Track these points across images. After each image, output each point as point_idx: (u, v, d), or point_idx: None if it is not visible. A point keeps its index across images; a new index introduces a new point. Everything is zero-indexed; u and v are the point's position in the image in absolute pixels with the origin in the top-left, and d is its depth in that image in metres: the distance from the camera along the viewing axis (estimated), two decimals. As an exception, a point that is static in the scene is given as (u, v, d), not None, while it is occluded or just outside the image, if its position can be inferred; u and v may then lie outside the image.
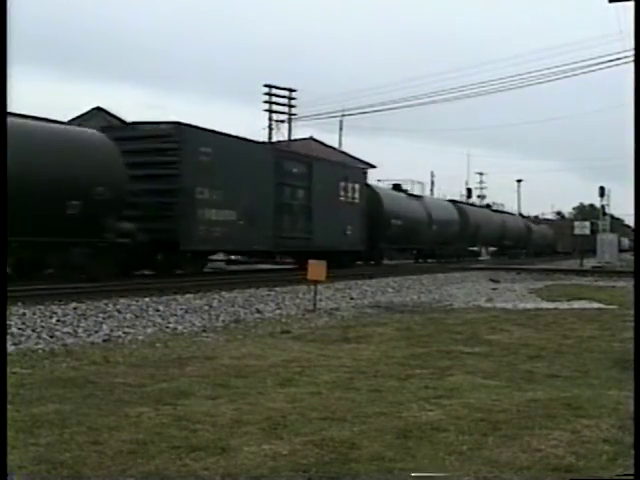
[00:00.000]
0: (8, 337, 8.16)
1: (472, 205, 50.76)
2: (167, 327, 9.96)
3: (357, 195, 25.79)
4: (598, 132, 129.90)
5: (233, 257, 28.73)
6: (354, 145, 79.16)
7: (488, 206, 54.37)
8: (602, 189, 43.13)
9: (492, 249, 51.48)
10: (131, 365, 6.85)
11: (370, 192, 27.59)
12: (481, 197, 70.78)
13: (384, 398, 5.44)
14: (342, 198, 24.80)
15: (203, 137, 18.20)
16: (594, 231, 59.83)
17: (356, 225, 25.43)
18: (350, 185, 25.40)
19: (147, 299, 12.56)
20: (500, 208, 56.32)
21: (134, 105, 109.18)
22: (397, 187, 33.08)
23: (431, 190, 65.34)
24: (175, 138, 17.37)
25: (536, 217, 66.41)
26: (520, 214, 61.74)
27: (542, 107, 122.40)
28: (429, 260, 35.46)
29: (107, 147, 15.59)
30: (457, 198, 53.12)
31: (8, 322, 8.94)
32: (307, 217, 22.64)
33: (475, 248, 44.93)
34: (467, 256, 40.57)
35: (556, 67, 46.88)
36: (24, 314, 10.00)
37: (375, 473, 3.71)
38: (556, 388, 5.93)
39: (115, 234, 15.24)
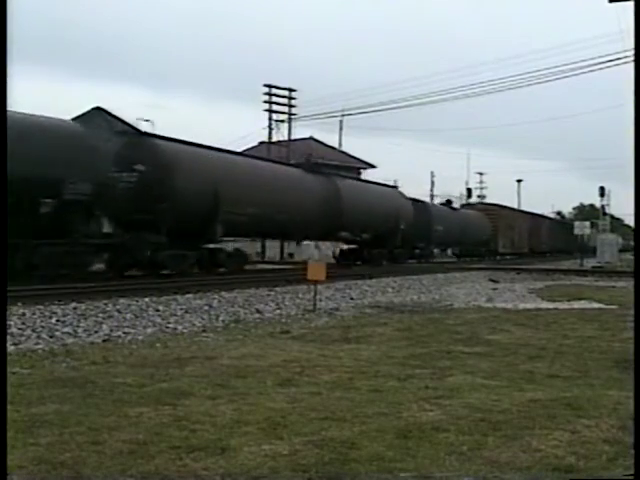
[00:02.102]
0: (8, 337, 8.16)
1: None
2: (167, 327, 9.95)
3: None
4: (598, 132, 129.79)
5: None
6: (354, 145, 79.04)
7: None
8: (602, 189, 43.18)
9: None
10: (131, 365, 6.85)
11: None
12: (481, 197, 70.89)
13: (384, 398, 5.44)
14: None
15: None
16: (568, 227, 56.47)
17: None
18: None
19: (147, 299, 12.56)
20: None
21: (134, 105, 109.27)
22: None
23: (431, 190, 65.36)
24: None
25: (448, 201, 44.40)
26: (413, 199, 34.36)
27: (542, 107, 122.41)
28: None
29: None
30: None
31: (8, 322, 8.94)
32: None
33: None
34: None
35: (556, 67, 46.93)
36: (24, 314, 10.00)
37: (375, 473, 3.70)
38: (556, 388, 5.93)
39: None
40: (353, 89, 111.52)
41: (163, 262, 17.64)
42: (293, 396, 5.47)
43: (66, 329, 9.19)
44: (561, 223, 70.71)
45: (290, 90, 41.66)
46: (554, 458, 3.95)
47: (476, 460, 3.90)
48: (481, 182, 79.05)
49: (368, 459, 3.90)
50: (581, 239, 60.85)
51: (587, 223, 43.60)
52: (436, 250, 40.15)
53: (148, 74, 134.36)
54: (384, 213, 27.45)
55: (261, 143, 43.39)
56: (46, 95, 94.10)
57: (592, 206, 79.09)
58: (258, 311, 12.26)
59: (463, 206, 47.30)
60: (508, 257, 46.18)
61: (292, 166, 26.87)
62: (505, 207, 49.81)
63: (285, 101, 41.69)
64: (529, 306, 14.14)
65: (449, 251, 44.33)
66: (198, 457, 3.90)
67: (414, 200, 33.51)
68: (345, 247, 29.62)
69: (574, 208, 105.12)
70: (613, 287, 19.92)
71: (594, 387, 5.98)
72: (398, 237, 28.55)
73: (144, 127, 20.60)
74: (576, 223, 47.81)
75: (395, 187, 32.80)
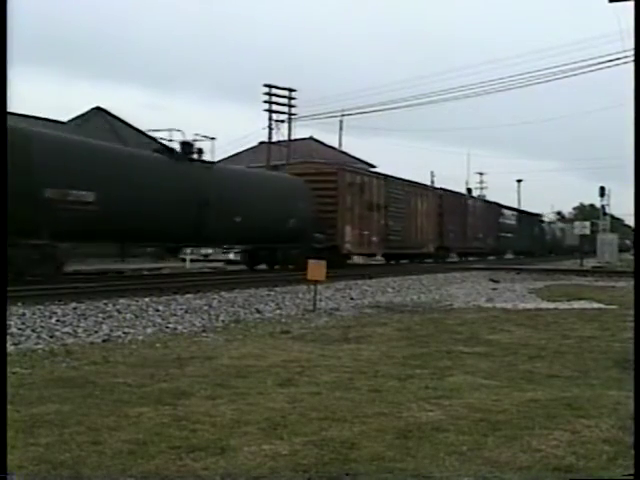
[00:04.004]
0: (8, 337, 8.16)
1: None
2: (167, 327, 9.96)
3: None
4: (598, 132, 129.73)
5: (232, 257, 29.25)
6: (354, 145, 79.13)
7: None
8: (602, 189, 43.08)
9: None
10: (131, 365, 6.85)
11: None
12: (481, 197, 70.83)
13: (384, 398, 5.44)
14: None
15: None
16: (529, 219, 50.34)
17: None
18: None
19: (147, 299, 12.56)
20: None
21: (134, 105, 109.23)
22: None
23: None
24: None
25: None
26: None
27: (542, 107, 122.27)
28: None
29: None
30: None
31: (8, 322, 8.94)
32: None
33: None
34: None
35: (556, 67, 46.93)
36: (24, 314, 10.00)
37: (375, 473, 3.71)
38: (556, 388, 5.93)
39: None
40: (353, 89, 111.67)
41: None
42: (293, 396, 5.47)
43: (66, 329, 9.19)
44: (520, 213, 52.53)
45: (290, 90, 41.66)
46: (554, 458, 3.95)
47: (476, 460, 3.90)
48: (481, 182, 78.87)
49: (368, 459, 3.90)
50: (553, 236, 56.16)
51: (587, 223, 43.50)
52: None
53: (148, 74, 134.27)
54: (270, 208, 21.38)
55: (261, 143, 43.45)
56: (46, 95, 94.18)
57: (592, 206, 79.06)
58: (258, 311, 12.26)
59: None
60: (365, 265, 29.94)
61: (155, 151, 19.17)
62: (360, 170, 29.58)
63: (285, 101, 41.69)
64: (529, 306, 14.14)
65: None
66: (198, 457, 3.90)
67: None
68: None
69: (574, 208, 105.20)
70: (613, 287, 19.92)
71: (594, 387, 5.98)
72: (289, 233, 22.18)
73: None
74: (576, 223, 47.63)
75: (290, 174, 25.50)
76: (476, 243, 39.37)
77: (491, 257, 42.94)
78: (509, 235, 46.51)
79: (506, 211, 48.03)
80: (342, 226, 24.62)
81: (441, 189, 35.82)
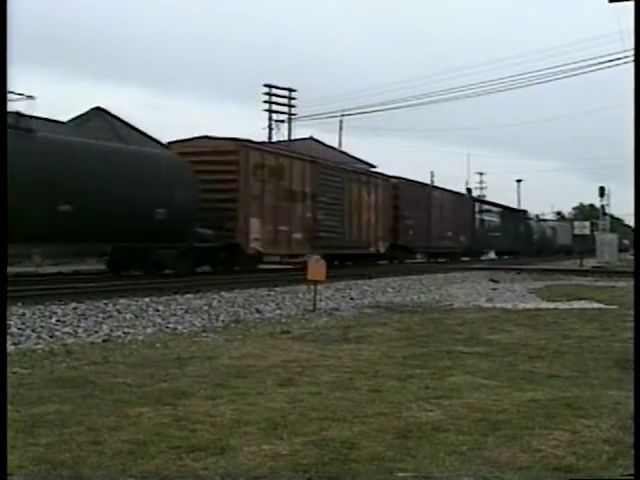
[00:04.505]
0: (8, 337, 8.16)
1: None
2: (167, 327, 9.96)
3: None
4: (598, 132, 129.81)
5: None
6: (354, 145, 79.04)
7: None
8: (602, 189, 43.04)
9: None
10: (131, 365, 6.85)
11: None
12: (481, 197, 70.79)
13: (384, 398, 5.44)
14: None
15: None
16: (514, 215, 47.88)
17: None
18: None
19: (147, 299, 12.57)
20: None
21: (134, 105, 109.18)
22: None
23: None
24: None
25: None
26: None
27: (542, 107, 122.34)
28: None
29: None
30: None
31: (8, 322, 8.94)
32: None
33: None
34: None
35: (556, 67, 46.99)
36: (24, 314, 10.00)
37: (375, 473, 3.70)
38: (556, 388, 5.93)
39: None
40: (353, 89, 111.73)
41: None
42: (293, 396, 5.47)
43: (66, 329, 9.19)
44: (503, 209, 48.00)
45: (290, 90, 41.74)
46: (554, 458, 3.95)
47: (476, 460, 3.90)
48: (481, 182, 78.93)
49: (368, 459, 3.90)
50: (542, 235, 53.64)
51: (587, 223, 43.47)
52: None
53: (148, 74, 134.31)
54: (124, 194, 16.31)
55: (261, 143, 43.41)
56: (46, 95, 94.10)
57: (592, 206, 79.00)
58: (258, 311, 12.26)
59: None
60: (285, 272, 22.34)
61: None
62: (276, 149, 24.06)
63: (285, 101, 41.74)
64: (529, 306, 14.14)
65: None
66: (198, 457, 3.90)
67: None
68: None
69: (574, 208, 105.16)
70: (613, 287, 19.92)
71: (594, 387, 5.98)
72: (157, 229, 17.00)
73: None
74: (576, 223, 47.46)
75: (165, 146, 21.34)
76: (445, 242, 34.59)
77: (465, 258, 38.26)
78: (489, 233, 42.70)
79: (485, 206, 44.04)
80: (246, 219, 19.45)
81: (397, 178, 29.97)
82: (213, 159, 19.22)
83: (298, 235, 22.01)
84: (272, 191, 20.64)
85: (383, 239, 27.51)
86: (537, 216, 68.79)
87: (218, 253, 19.02)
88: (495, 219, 44.72)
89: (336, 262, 25.29)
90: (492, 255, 46.05)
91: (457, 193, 39.09)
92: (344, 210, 24.59)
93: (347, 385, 5.96)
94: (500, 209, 47.47)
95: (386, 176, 29.02)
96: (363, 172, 27.81)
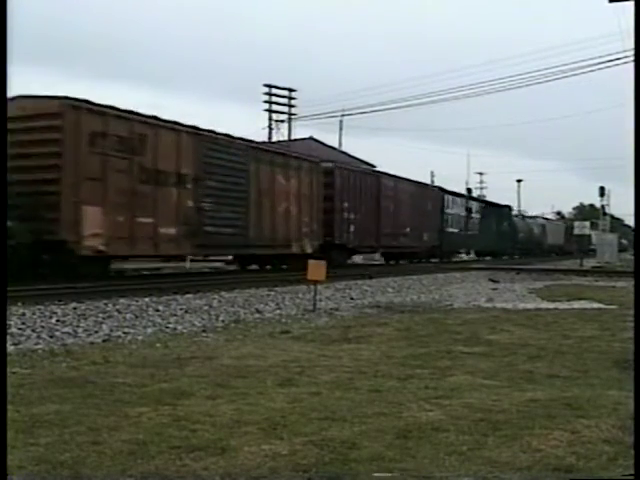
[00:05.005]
0: (8, 337, 8.16)
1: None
2: (167, 327, 9.95)
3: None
4: (598, 132, 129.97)
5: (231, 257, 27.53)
6: (354, 145, 79.20)
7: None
8: (602, 189, 43.07)
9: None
10: (131, 365, 6.85)
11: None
12: (481, 197, 70.80)
13: (384, 398, 5.43)
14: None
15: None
16: (498, 211, 43.87)
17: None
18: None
19: (147, 299, 12.56)
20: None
21: (134, 105, 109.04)
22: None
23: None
24: None
25: None
26: None
27: (542, 107, 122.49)
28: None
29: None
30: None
31: (8, 322, 8.94)
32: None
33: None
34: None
35: (556, 67, 47.03)
36: (24, 314, 10.00)
37: (375, 473, 3.70)
38: (556, 388, 5.93)
39: None
40: (353, 89, 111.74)
41: None
42: (293, 396, 5.47)
43: (66, 329, 9.19)
44: (483, 204, 44.09)
45: (290, 90, 41.76)
46: (554, 458, 3.95)
47: (476, 460, 3.90)
48: (481, 182, 78.99)
49: (368, 459, 3.90)
50: (529, 234, 52.22)
51: (587, 223, 43.45)
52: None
53: (148, 74, 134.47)
54: None
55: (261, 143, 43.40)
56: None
57: (592, 206, 79.03)
58: (258, 311, 12.26)
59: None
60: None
61: None
62: (125, 114, 15.85)
63: (285, 101, 41.76)
64: (529, 306, 14.14)
65: None
66: (198, 457, 3.90)
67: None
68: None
69: (574, 208, 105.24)
70: (613, 287, 19.92)
71: (594, 387, 5.97)
72: None
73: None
74: (576, 223, 47.31)
75: None
76: (402, 240, 29.28)
77: (434, 260, 33.75)
78: (464, 231, 37.67)
79: (458, 199, 38.19)
80: (76, 207, 14.45)
81: (332, 161, 25.42)
82: (27, 126, 14.10)
83: (170, 230, 16.80)
84: (123, 170, 15.47)
85: (311, 236, 22.32)
86: (520, 212, 63.60)
87: (35, 254, 14.18)
88: (472, 215, 39.93)
89: (255, 266, 21.89)
90: (465, 257, 41.96)
91: (419, 183, 33.19)
92: (249, 199, 19.37)
93: (347, 385, 5.96)
94: (479, 204, 43.09)
95: (315, 159, 23.74)
96: (279, 152, 22.05)
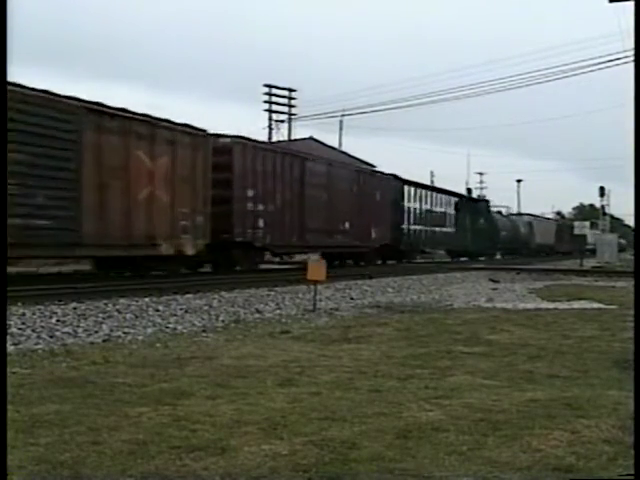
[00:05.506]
0: (8, 337, 8.16)
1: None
2: (167, 327, 9.95)
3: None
4: (598, 132, 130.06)
5: None
6: (354, 145, 79.10)
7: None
8: (602, 189, 43.12)
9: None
10: (131, 365, 6.85)
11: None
12: (481, 197, 70.71)
13: (384, 398, 5.43)
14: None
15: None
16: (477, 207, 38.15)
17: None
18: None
19: (147, 299, 12.56)
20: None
21: (134, 105, 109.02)
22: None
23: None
24: None
25: None
26: None
27: (542, 107, 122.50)
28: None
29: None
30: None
31: (8, 322, 8.94)
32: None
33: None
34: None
35: (556, 67, 47.05)
36: (24, 314, 10.00)
37: (375, 473, 3.70)
38: (556, 388, 5.93)
39: None
40: (353, 89, 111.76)
41: None
42: (293, 396, 5.47)
43: (66, 329, 9.19)
44: (456, 198, 38.08)
45: (290, 90, 41.78)
46: (554, 458, 3.95)
47: (476, 460, 3.90)
48: (481, 182, 78.93)
49: (368, 459, 3.90)
50: (514, 233, 49.22)
51: (587, 223, 43.47)
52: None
53: (147, 74, 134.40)
54: None
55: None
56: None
57: (592, 206, 79.05)
58: (258, 311, 12.26)
59: None
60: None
61: None
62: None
63: (285, 101, 41.77)
64: (529, 306, 14.14)
65: None
66: (198, 457, 3.90)
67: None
68: None
69: (574, 208, 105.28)
70: (613, 287, 19.91)
71: (594, 387, 5.97)
72: None
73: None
74: (576, 223, 47.34)
75: None
76: (339, 238, 24.00)
77: (391, 262, 29.11)
78: (431, 228, 32.58)
79: (422, 191, 32.60)
80: None
81: (230, 136, 18.97)
82: None
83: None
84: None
85: (194, 232, 17.03)
86: (497, 208, 55.32)
87: None
88: (442, 209, 34.76)
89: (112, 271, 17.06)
90: (435, 257, 37.37)
91: (364, 170, 28.12)
92: (81, 180, 14.00)
93: (347, 385, 5.96)
94: (451, 197, 37.07)
95: (200, 132, 17.36)
96: (139, 119, 15.58)
